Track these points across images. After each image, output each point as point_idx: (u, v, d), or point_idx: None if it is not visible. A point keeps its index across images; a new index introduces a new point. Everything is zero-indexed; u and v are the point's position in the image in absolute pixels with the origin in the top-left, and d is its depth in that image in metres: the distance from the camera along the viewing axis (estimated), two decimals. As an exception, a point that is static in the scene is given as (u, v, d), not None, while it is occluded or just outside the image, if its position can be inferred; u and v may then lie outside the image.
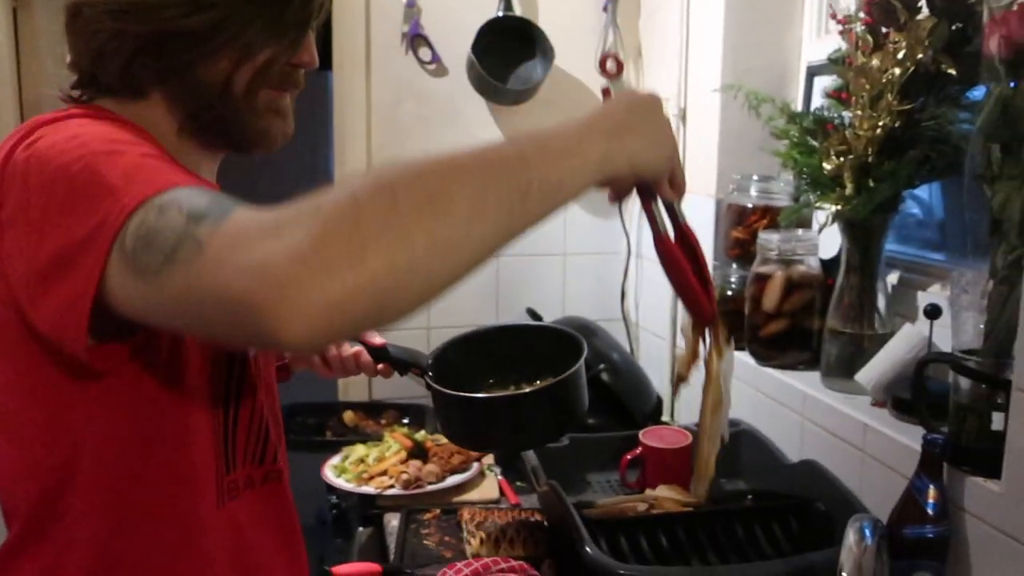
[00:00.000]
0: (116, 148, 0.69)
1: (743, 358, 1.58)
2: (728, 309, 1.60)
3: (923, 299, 1.36)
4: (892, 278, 1.45)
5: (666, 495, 1.38)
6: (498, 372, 1.28)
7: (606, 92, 1.15)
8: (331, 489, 1.67)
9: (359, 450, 1.64)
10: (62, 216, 0.66)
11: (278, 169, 2.06)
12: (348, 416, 1.90)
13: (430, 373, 1.19)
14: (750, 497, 1.40)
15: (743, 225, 1.64)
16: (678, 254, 0.87)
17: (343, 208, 0.57)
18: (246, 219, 0.59)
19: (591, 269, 2.20)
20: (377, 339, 1.19)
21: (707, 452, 1.00)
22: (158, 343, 0.77)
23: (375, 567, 1.23)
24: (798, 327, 1.50)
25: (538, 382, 1.23)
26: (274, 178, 1.98)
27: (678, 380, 0.99)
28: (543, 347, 1.28)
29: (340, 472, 1.59)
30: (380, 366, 1.19)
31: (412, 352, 1.22)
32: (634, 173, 0.75)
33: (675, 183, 0.83)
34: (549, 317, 2.09)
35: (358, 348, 1.18)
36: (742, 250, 1.64)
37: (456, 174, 0.61)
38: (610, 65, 2.09)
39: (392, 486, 1.52)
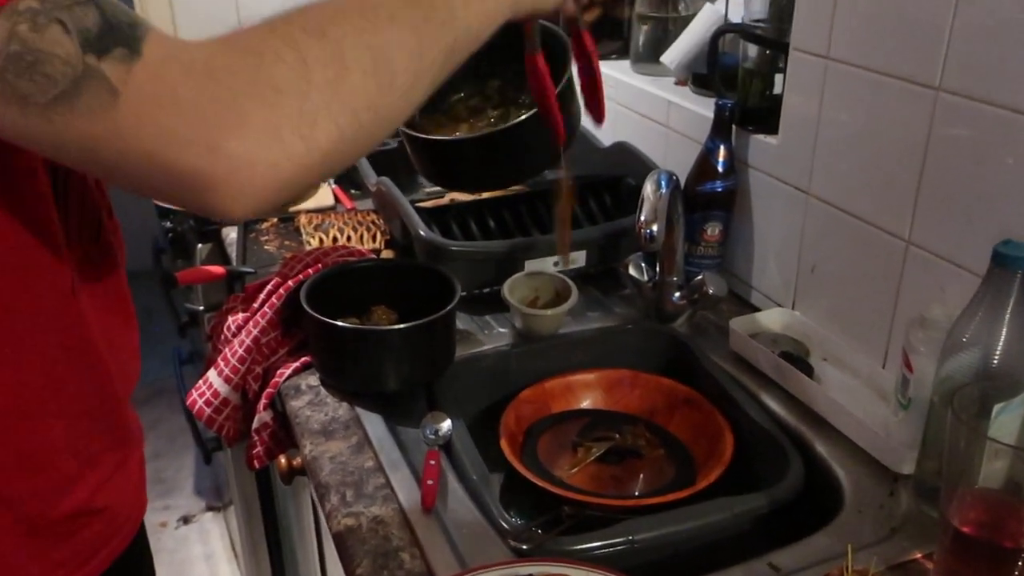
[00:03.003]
0: None
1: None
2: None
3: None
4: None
5: (492, 184, 1.47)
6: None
7: None
8: (163, 215, 1.67)
9: (187, 171, 1.61)
10: None
11: None
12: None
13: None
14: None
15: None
16: (544, 73, 0.91)
17: (290, 68, 0.52)
18: (164, 58, 0.50)
19: None
20: None
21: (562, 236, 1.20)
22: None
23: (218, 270, 1.28)
24: (609, 17, 1.56)
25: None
26: None
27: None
28: None
29: (170, 194, 1.58)
30: None
31: None
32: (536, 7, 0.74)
33: None
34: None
35: None
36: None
37: (396, 33, 0.58)
38: None
39: (226, 202, 1.53)
